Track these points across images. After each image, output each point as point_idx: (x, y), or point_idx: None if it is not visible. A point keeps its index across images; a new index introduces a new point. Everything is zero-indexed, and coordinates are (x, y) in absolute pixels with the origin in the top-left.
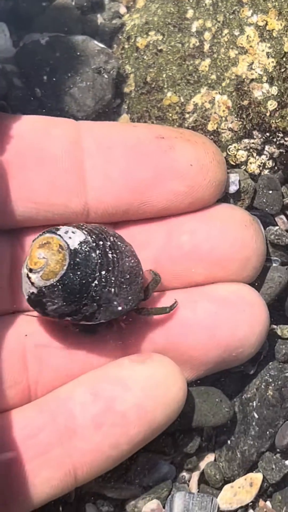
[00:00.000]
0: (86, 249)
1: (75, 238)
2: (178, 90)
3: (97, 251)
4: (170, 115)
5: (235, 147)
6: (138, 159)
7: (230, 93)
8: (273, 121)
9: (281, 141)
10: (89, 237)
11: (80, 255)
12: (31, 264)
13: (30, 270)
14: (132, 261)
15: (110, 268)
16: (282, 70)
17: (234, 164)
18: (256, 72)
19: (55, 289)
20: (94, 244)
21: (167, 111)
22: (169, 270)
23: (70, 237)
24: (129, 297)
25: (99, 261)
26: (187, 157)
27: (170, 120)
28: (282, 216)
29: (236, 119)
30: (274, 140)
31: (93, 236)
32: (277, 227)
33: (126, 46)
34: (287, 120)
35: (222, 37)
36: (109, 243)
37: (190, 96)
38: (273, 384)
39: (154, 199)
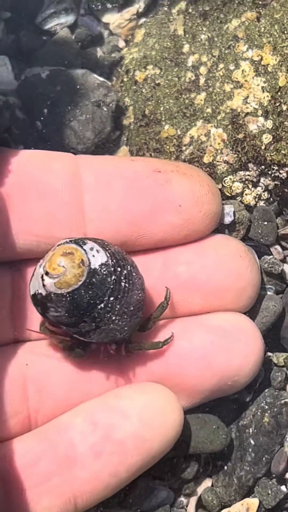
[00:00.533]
0: (104, 272)
1: (98, 258)
2: (175, 123)
3: (113, 277)
4: (168, 147)
5: (230, 179)
6: (135, 192)
7: (225, 126)
8: (268, 154)
9: (276, 174)
10: (110, 261)
11: (97, 276)
12: (49, 268)
13: (46, 273)
14: (140, 295)
15: (119, 296)
16: (277, 104)
17: (229, 195)
18: (251, 106)
19: (63, 299)
20: (112, 269)
21: (164, 144)
22: None
23: (93, 255)
24: (125, 328)
25: (112, 287)
26: (183, 190)
27: (168, 152)
28: (277, 246)
29: (231, 152)
30: (269, 172)
31: (114, 261)
32: (271, 256)
33: (125, 79)
34: (281, 153)
35: (217, 71)
36: (125, 271)
37: (186, 129)
38: (269, 411)
39: (151, 232)
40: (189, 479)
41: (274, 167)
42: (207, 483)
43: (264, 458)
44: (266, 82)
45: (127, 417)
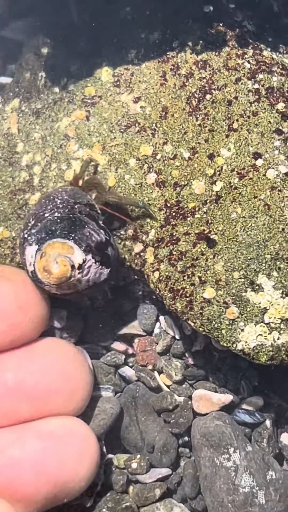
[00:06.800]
0: None
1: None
2: (10, 224)
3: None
4: (2, 250)
5: None
6: None
7: None
8: None
9: None
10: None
11: None
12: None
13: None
14: None
15: None
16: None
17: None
18: None
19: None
20: None
21: None
22: None
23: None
24: None
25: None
26: (6, 295)
27: (3, 255)
28: (117, 342)
29: None
30: None
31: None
32: (111, 352)
33: None
34: None
35: (50, 171)
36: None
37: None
38: None
39: None
40: None
41: None
42: None
43: None
44: None
45: None
